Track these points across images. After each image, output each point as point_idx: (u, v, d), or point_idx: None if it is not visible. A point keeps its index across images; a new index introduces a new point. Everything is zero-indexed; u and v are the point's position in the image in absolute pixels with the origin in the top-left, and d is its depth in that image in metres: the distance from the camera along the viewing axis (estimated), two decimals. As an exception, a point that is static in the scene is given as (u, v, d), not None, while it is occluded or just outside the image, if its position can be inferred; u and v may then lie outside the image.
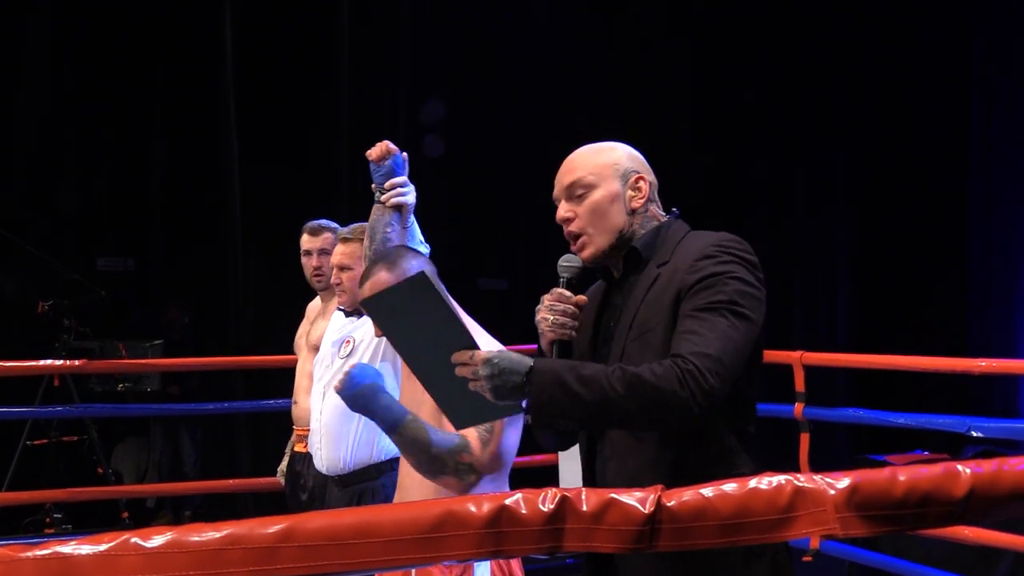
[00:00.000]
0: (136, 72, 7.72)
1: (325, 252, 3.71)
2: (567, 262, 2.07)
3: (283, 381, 4.90)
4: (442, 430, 2.45)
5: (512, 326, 3.97)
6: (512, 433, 2.56)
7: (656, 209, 2.09)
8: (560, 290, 2.03)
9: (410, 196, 2.82)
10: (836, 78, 8.48)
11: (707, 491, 1.21)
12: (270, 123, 7.80)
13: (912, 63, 8.28)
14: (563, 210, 2.06)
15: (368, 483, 3.24)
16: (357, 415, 2.98)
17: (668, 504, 1.21)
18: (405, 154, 2.84)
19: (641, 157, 2.13)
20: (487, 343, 2.39)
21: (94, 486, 6.28)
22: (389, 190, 2.78)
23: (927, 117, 8.46)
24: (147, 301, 7.78)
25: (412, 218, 2.88)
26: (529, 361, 1.84)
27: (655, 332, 1.92)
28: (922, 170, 8.26)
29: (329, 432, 3.26)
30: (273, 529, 1.06)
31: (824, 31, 8.46)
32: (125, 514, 6.54)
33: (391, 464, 3.16)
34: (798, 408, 4.75)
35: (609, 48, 8.47)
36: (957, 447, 5.60)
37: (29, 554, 0.97)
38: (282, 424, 4.42)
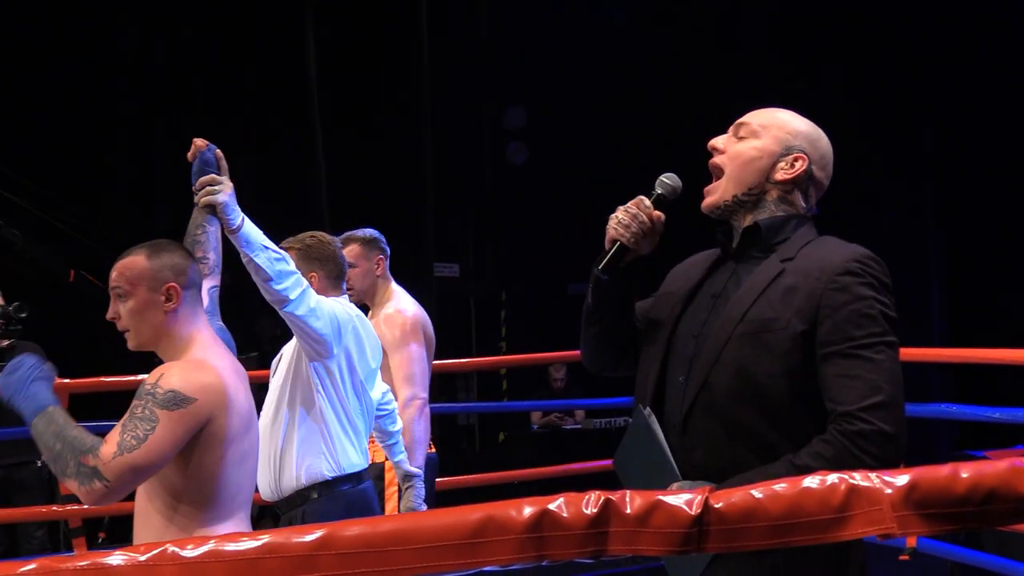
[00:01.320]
0: (227, 88, 7.81)
1: (351, 265, 3.59)
2: (667, 178, 1.95)
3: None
4: (82, 429, 2.04)
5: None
6: (223, 465, 2.08)
7: (799, 199, 1.91)
8: (642, 197, 1.92)
9: (220, 196, 2.43)
10: (923, 64, 8.19)
11: (757, 492, 1.15)
12: (356, 140, 7.80)
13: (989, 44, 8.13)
14: (719, 139, 1.95)
15: (294, 511, 2.99)
16: (275, 438, 2.91)
17: (716, 506, 1.15)
18: (219, 151, 2.49)
19: (825, 149, 1.96)
20: None
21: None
22: (199, 189, 2.46)
23: (1013, 101, 8.17)
24: (239, 314, 7.83)
25: (237, 218, 2.48)
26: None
27: (775, 335, 1.76)
28: (1012, 155, 8.05)
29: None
30: (311, 537, 1.03)
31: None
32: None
33: (316, 489, 2.94)
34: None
35: (674, 56, 8.17)
36: (1061, 441, 5.31)
37: (70, 565, 0.95)
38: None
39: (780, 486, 1.15)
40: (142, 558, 1.01)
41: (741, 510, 1.11)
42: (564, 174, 8.27)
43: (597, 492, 1.15)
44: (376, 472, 3.61)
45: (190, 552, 1.03)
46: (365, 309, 3.64)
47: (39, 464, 5.41)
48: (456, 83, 8.15)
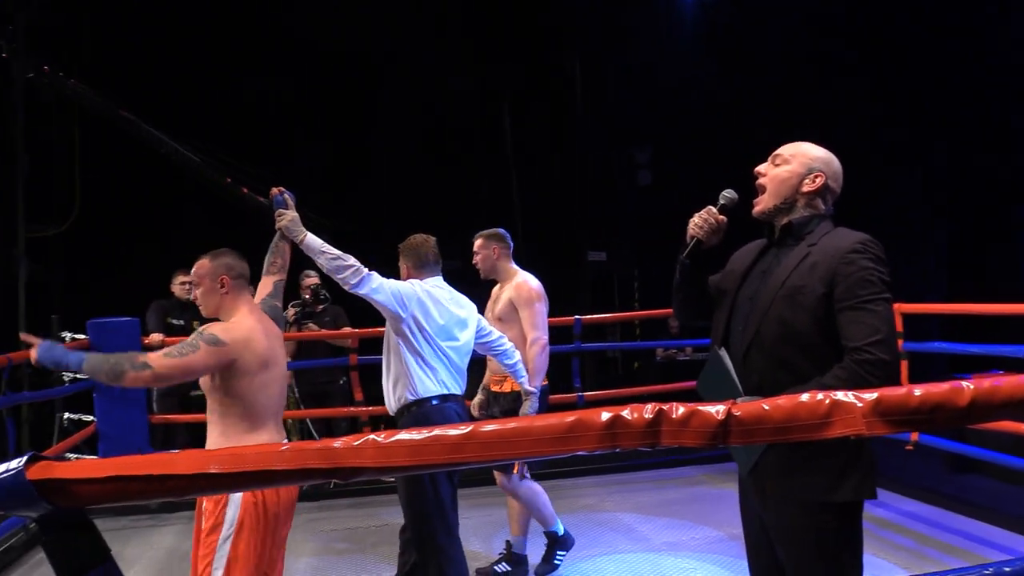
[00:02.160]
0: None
1: (476, 252, 4.54)
2: (728, 193, 2.39)
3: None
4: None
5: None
6: (250, 390, 2.80)
7: (821, 204, 2.30)
8: (711, 207, 2.36)
9: (283, 221, 3.35)
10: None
11: (765, 404, 1.30)
12: (537, 168, 9.86)
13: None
14: (761, 166, 2.36)
15: (400, 420, 3.72)
16: (385, 372, 3.78)
17: (735, 413, 1.28)
18: (287, 195, 3.43)
19: (836, 168, 2.34)
20: None
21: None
22: (278, 218, 3.36)
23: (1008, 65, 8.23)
24: (470, 292, 9.83)
25: (299, 235, 3.37)
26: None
27: (805, 295, 2.13)
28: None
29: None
30: (460, 431, 1.28)
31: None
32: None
33: (407, 407, 3.69)
34: (899, 343, 4.97)
35: (744, 100, 9.29)
36: (1025, 369, 5.63)
37: (310, 448, 1.26)
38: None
39: (782, 400, 1.31)
40: (356, 444, 1.32)
41: (753, 416, 1.28)
42: (676, 190, 9.56)
43: (654, 403, 1.28)
44: (512, 398, 4.36)
45: (383, 440, 1.33)
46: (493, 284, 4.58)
47: (341, 382, 6.92)
48: (601, 128, 10.00)
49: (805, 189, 2.31)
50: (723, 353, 2.27)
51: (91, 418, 6.00)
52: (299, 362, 6.50)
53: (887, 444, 4.64)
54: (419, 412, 3.65)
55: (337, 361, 6.56)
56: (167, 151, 6.64)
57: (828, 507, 2.12)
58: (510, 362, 4.10)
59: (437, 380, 3.66)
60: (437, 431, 1.23)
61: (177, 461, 1.18)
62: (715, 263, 2.50)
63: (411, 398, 3.66)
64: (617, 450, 1.27)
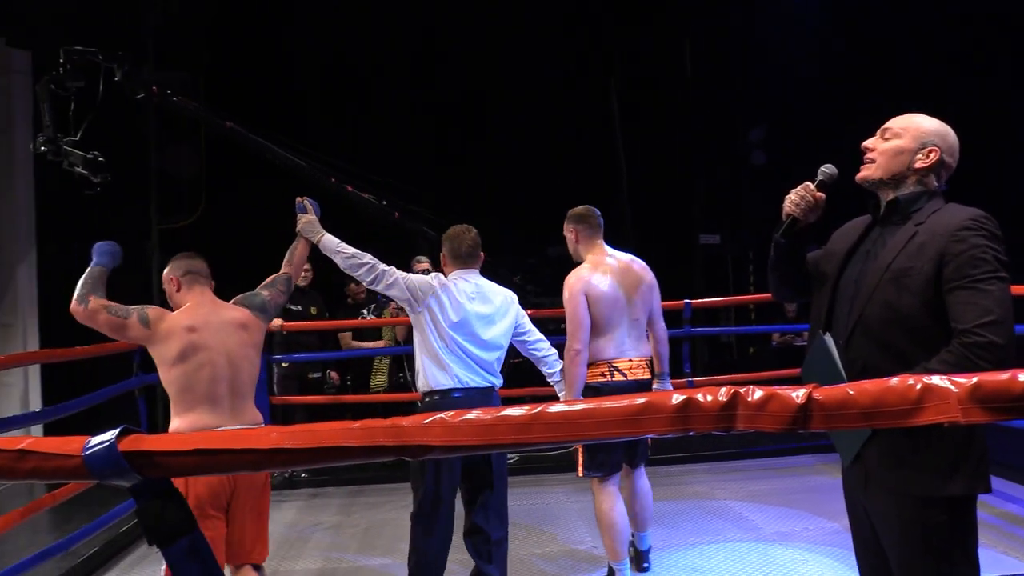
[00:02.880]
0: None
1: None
2: (827, 168, 2.28)
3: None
4: (97, 284, 3.33)
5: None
6: (172, 377, 3.21)
7: (933, 180, 2.16)
8: (809, 183, 2.25)
9: (300, 223, 3.74)
10: None
11: (850, 389, 1.23)
12: (648, 151, 9.54)
13: None
14: (869, 141, 2.22)
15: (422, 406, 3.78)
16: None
17: (817, 397, 1.21)
18: (307, 202, 3.80)
19: (952, 141, 2.18)
20: None
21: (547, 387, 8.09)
22: (298, 221, 3.73)
23: None
24: None
25: (315, 236, 3.72)
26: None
27: (912, 278, 2.01)
28: None
29: None
30: (527, 412, 1.25)
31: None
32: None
33: (424, 396, 3.76)
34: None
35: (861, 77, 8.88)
36: None
37: (379, 426, 1.28)
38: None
39: (870, 384, 1.24)
40: (425, 422, 1.34)
41: (836, 401, 1.22)
42: (792, 170, 9.75)
43: (729, 386, 1.25)
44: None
45: (452, 420, 1.34)
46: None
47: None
48: (713, 106, 9.76)
49: (918, 165, 2.17)
50: (827, 338, 2.18)
51: (217, 399, 6.28)
52: (400, 347, 6.64)
53: (1006, 430, 4.33)
54: (431, 403, 3.68)
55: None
56: (271, 156, 6.95)
57: (937, 501, 2.01)
58: (548, 370, 3.97)
59: (451, 374, 3.65)
60: (505, 411, 1.22)
61: (255, 437, 1.23)
62: (817, 238, 2.40)
63: (425, 389, 3.72)
64: (691, 434, 1.23)
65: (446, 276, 3.78)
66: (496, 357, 3.72)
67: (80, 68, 5.79)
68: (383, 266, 3.67)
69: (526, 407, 1.19)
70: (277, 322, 6.39)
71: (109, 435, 1.19)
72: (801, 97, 9.40)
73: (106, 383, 4.95)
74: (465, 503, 3.81)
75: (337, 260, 3.68)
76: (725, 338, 10.20)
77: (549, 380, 3.98)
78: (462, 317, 3.65)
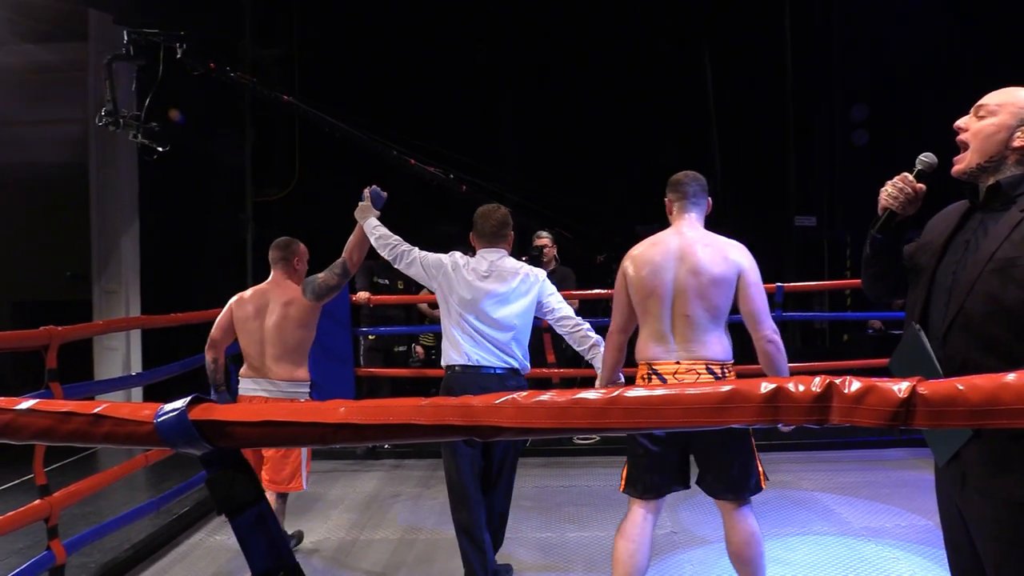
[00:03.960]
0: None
1: None
2: (926, 157, 2.09)
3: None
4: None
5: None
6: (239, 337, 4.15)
7: None
8: (907, 174, 2.06)
9: (357, 212, 4.05)
10: None
11: (960, 384, 1.12)
12: (740, 131, 9.23)
13: None
14: (961, 120, 2.03)
15: None
16: None
17: (922, 392, 1.11)
18: (369, 190, 4.10)
19: None
20: None
21: (633, 368, 8.17)
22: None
23: None
24: None
25: (363, 221, 4.03)
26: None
27: (1019, 268, 1.84)
28: None
29: None
30: (604, 396, 1.15)
31: None
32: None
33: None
34: None
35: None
36: None
37: (449, 404, 1.24)
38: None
39: (982, 380, 1.13)
40: (496, 402, 1.29)
41: (944, 396, 1.11)
42: (895, 151, 8.87)
43: (823, 376, 1.15)
44: None
45: (525, 401, 1.29)
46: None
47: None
48: (813, 84, 9.36)
49: (1016, 144, 1.97)
50: (920, 331, 2.03)
51: (305, 369, 6.42)
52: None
53: None
54: (445, 379, 3.72)
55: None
56: (330, 129, 7.06)
57: None
58: (577, 347, 3.78)
59: (462, 351, 3.64)
60: (581, 393, 1.16)
61: (324, 411, 1.20)
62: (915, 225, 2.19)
63: (443, 364, 3.76)
64: (779, 426, 1.14)
65: (474, 254, 3.82)
66: (511, 337, 3.65)
67: (141, 48, 6.17)
68: (406, 247, 3.82)
69: (603, 390, 1.11)
70: (363, 295, 6.47)
71: (180, 403, 1.18)
72: (907, 74, 9.04)
73: (202, 348, 5.09)
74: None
75: (371, 240, 3.92)
76: (818, 324, 9.75)
77: (586, 359, 3.83)
78: (472, 295, 3.65)
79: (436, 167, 6.91)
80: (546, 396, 1.15)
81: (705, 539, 4.48)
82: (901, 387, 1.15)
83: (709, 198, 3.33)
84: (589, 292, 6.21)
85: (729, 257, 3.16)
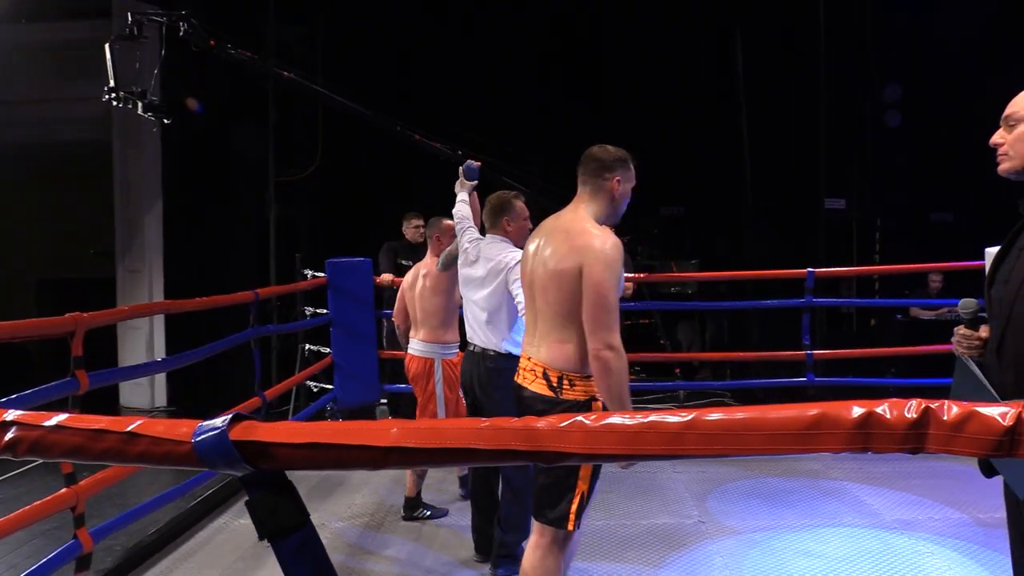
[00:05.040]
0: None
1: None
2: (962, 308, 2.07)
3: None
4: None
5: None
6: None
7: None
8: (963, 331, 2.03)
9: (456, 185, 4.36)
10: None
11: None
12: (770, 112, 9.06)
13: None
14: (995, 136, 1.99)
15: None
16: None
17: None
18: (461, 168, 4.39)
19: None
20: None
21: (658, 352, 8.13)
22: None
23: None
24: (696, 236, 9.59)
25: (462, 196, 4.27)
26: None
27: None
28: None
29: None
30: (681, 419, 1.11)
31: None
32: (677, 370, 8.23)
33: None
34: None
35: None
36: None
37: (510, 427, 1.14)
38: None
39: None
40: (562, 425, 1.19)
41: None
42: (927, 134, 8.80)
43: (919, 400, 1.05)
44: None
45: (592, 424, 1.18)
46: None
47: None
48: (844, 63, 9.14)
49: None
50: (968, 361, 2.01)
51: (328, 350, 6.40)
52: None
53: None
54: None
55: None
56: (330, 104, 7.02)
57: None
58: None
59: (464, 331, 4.07)
60: (654, 417, 1.06)
61: (374, 432, 1.10)
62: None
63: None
64: (868, 453, 1.04)
65: None
66: (485, 320, 3.81)
67: (144, 28, 6.44)
68: (467, 225, 4.16)
69: (681, 413, 1.02)
70: (387, 277, 6.40)
71: (220, 421, 1.09)
72: (942, 53, 8.81)
73: (225, 329, 5.06)
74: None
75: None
76: (845, 309, 9.52)
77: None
78: (463, 280, 4.00)
79: (459, 148, 6.79)
80: (616, 419, 1.05)
81: (734, 529, 4.40)
82: (1005, 412, 1.04)
83: (615, 176, 2.87)
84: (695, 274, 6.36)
85: (574, 247, 2.68)
